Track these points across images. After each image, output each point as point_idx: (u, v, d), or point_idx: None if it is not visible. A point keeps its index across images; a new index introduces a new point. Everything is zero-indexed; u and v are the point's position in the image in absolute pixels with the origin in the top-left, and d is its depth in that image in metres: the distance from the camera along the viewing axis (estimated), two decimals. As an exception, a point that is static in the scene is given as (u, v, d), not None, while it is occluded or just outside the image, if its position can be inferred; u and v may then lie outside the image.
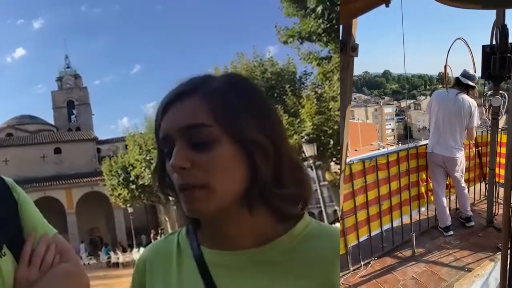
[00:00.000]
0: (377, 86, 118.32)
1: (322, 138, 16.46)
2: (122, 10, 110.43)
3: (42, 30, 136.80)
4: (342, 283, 3.98)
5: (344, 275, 4.13)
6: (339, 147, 16.68)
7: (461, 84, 4.69)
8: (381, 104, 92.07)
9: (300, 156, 16.59)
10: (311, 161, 14.46)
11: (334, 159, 18.05)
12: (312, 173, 16.09)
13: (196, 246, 0.91)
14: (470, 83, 4.67)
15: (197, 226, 0.94)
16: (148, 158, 24.29)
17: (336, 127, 16.37)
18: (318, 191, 13.98)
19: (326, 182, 20.19)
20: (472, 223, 4.97)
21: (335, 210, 20.42)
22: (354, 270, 4.24)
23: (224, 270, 0.87)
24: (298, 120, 16.82)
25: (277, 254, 0.86)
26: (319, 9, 12.63)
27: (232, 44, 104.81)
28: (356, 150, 35.54)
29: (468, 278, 3.96)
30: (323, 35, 13.28)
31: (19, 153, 36.31)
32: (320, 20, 12.88)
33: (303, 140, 14.95)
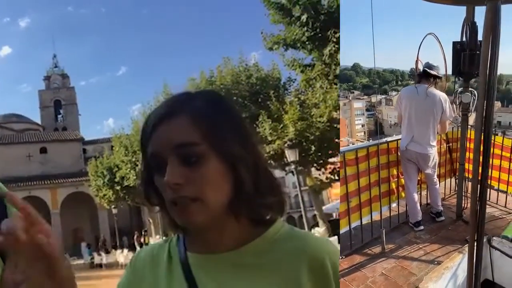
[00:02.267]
0: (346, 79, 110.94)
1: (304, 144, 16.61)
2: (108, 12, 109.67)
3: (28, 29, 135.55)
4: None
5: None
6: (320, 154, 16.92)
7: (429, 76, 4.64)
8: (351, 98, 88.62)
9: (282, 161, 16.72)
10: (292, 166, 14.50)
11: (315, 164, 18.27)
12: (294, 178, 16.16)
13: (183, 251, 0.98)
14: (438, 73, 4.64)
15: (185, 233, 1.00)
16: (133, 159, 24.25)
17: (317, 133, 16.49)
18: (299, 195, 13.89)
19: (306, 187, 20.18)
20: (443, 218, 4.98)
21: (315, 215, 20.47)
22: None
23: (207, 272, 0.93)
24: (281, 125, 16.91)
25: (251, 256, 0.92)
26: (304, 17, 12.92)
27: (218, 49, 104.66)
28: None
29: (437, 271, 3.97)
30: (307, 43, 13.65)
31: (4, 152, 35.97)
32: (305, 28, 13.27)
33: (286, 145, 15.06)
